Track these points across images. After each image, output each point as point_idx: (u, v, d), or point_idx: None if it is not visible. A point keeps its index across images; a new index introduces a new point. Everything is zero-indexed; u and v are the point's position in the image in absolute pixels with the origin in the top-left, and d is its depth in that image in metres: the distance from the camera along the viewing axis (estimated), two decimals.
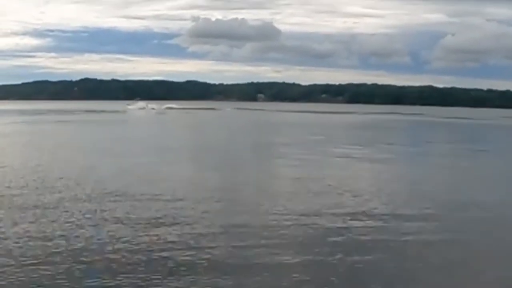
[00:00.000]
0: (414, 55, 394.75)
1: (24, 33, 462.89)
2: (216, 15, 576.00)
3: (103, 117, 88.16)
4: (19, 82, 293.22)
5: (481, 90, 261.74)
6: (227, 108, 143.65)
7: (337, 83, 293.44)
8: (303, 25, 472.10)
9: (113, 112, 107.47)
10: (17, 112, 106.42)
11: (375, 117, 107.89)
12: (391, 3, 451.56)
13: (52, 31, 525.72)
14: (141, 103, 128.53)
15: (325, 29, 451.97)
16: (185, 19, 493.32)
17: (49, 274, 10.35)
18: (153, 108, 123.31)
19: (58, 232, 13.18)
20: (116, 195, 17.98)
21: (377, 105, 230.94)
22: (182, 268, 10.83)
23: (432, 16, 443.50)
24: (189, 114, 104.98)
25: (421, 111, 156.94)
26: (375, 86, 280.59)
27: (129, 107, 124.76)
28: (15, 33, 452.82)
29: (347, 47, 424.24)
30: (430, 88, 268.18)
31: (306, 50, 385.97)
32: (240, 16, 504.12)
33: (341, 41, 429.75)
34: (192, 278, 10.35)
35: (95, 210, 15.82)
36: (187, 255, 11.64)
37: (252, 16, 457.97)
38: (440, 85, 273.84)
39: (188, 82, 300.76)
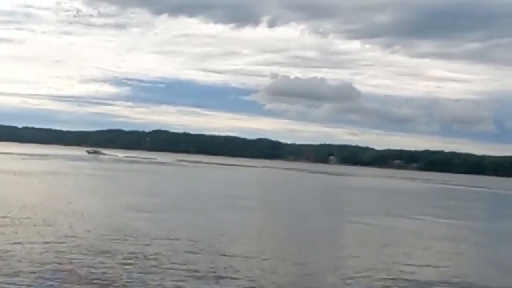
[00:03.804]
0: (499, 124, 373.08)
1: (104, 81, 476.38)
2: (295, 73, 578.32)
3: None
4: (94, 129, 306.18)
5: None
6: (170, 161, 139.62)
7: (412, 149, 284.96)
8: (384, 88, 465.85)
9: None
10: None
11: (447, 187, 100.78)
12: (478, 68, 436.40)
13: (130, 80, 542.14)
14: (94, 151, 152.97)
15: (406, 93, 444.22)
16: (263, 75, 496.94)
17: None
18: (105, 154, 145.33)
19: None
20: None
21: (454, 174, 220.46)
22: None
23: None
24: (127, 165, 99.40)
25: (500, 183, 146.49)
26: (452, 154, 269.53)
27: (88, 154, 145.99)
28: (95, 80, 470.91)
29: (428, 112, 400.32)
30: None
31: (385, 113, 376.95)
32: (319, 75, 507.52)
33: (422, 105, 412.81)
34: None
35: None
36: None
37: (331, 75, 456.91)
38: None
39: (259, 140, 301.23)
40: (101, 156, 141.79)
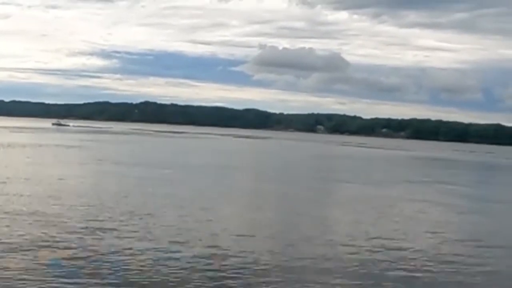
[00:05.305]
0: (486, 92, 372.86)
1: (91, 54, 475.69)
2: (283, 43, 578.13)
3: None
4: (81, 102, 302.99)
5: None
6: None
7: (400, 117, 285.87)
8: (372, 57, 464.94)
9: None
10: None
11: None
12: (466, 37, 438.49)
13: (118, 52, 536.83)
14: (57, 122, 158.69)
15: (394, 62, 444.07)
16: (251, 46, 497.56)
17: None
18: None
19: None
20: None
21: (440, 142, 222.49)
22: None
23: (509, 52, 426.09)
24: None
25: (486, 150, 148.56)
26: (439, 122, 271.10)
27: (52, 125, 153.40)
28: (82, 53, 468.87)
29: (416, 81, 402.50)
30: (498, 126, 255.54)
31: (373, 83, 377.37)
32: (307, 46, 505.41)
33: (410, 75, 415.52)
34: None
35: None
36: None
37: (320, 46, 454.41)
38: (510, 124, 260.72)
39: (247, 110, 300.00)
40: (63, 127, 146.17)
